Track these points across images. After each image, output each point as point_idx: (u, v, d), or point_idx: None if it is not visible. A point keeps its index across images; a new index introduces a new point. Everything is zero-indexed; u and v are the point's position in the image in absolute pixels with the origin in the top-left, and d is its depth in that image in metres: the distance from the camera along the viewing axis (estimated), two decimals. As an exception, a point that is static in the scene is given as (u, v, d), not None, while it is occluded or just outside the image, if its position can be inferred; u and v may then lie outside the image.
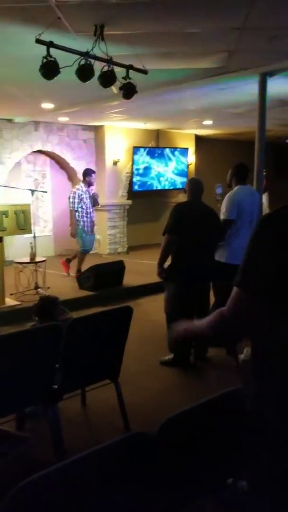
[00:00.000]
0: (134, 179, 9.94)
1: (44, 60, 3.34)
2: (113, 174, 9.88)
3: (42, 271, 6.57)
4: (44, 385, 2.90)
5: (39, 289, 6.49)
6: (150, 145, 10.28)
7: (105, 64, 3.64)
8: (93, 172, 7.77)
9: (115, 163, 9.81)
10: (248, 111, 7.49)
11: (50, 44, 3.34)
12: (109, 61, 3.62)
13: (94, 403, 3.73)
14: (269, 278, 1.39)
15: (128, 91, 3.88)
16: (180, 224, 4.37)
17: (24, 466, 2.89)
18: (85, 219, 7.51)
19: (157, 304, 5.52)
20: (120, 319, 3.15)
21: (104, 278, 6.83)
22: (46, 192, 8.37)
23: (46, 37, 3.44)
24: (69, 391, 3.09)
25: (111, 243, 10.10)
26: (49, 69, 3.35)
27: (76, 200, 7.41)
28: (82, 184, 7.58)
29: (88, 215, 7.56)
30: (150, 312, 6.09)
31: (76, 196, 7.42)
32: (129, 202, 10.15)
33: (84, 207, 7.47)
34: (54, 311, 3.45)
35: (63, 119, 8.56)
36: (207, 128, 10.20)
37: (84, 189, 7.51)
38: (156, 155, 10.24)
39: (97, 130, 9.76)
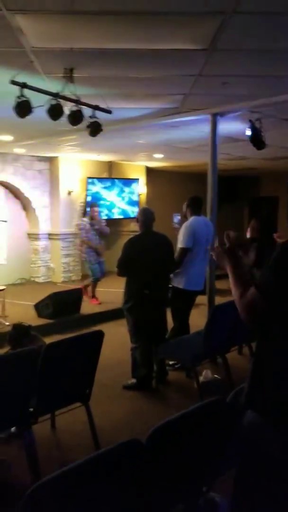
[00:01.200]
0: (88, 209, 10.14)
1: (18, 100, 3.54)
2: (67, 204, 10.06)
3: (0, 300, 6.57)
4: (21, 408, 2.99)
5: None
6: (103, 176, 10.59)
7: (73, 104, 3.89)
8: (94, 205, 8.29)
9: (69, 193, 10.02)
10: (197, 146, 7.99)
11: (23, 85, 3.56)
12: (77, 101, 3.88)
13: (62, 426, 3.82)
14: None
15: (95, 129, 4.14)
16: (131, 259, 4.47)
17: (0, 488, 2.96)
18: (89, 249, 7.92)
19: (114, 330, 5.69)
20: (92, 343, 3.32)
21: (63, 306, 6.93)
22: (6, 221, 8.45)
23: (18, 78, 3.67)
24: (44, 414, 3.19)
25: (65, 271, 10.19)
26: (23, 108, 3.56)
27: (83, 231, 7.98)
28: (86, 219, 8.26)
29: (95, 245, 7.99)
30: (109, 338, 6.23)
31: (81, 227, 8.09)
32: (83, 231, 10.33)
33: (92, 238, 7.94)
34: (26, 339, 3.57)
35: (19, 150, 8.70)
36: (158, 161, 10.67)
37: (89, 222, 8.01)
38: (108, 185, 10.55)
39: (52, 161, 9.96)
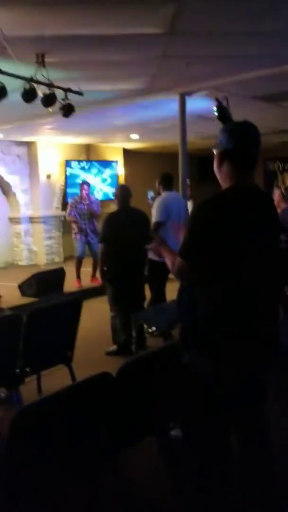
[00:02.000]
0: (68, 191, 10.37)
1: (-8, 85, 3.77)
2: (47, 187, 10.25)
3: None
4: (8, 370, 3.29)
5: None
6: (81, 159, 10.77)
7: (46, 87, 4.12)
8: (85, 183, 8.23)
9: (48, 176, 10.20)
10: (170, 126, 8.21)
11: (-3, 71, 3.77)
12: (50, 85, 4.11)
13: (48, 390, 4.12)
14: (200, 248, 1.91)
15: (67, 110, 4.38)
16: (112, 231, 4.79)
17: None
18: (81, 226, 7.97)
19: (96, 306, 5.99)
20: (71, 309, 3.62)
21: (46, 285, 7.17)
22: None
23: (-8, 64, 3.89)
24: (30, 375, 3.49)
25: (48, 254, 10.42)
26: (-2, 93, 3.78)
27: (69, 209, 7.98)
28: (76, 197, 8.24)
29: (81, 224, 7.99)
30: (92, 313, 6.55)
31: (69, 206, 8.06)
32: (64, 213, 10.51)
33: (77, 216, 7.94)
34: None
35: (-4, 135, 8.85)
36: (134, 142, 10.88)
37: (79, 200, 8.04)
38: (87, 167, 10.74)
39: (30, 145, 10.11)
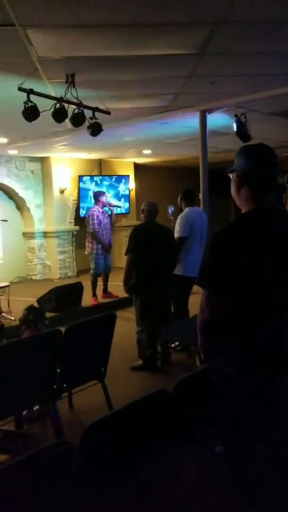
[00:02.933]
0: (81, 206, 10.46)
1: (26, 105, 3.84)
2: (60, 202, 10.35)
3: (3, 297, 6.85)
4: (47, 386, 3.31)
5: (3, 314, 6.76)
6: (93, 174, 10.89)
7: (75, 106, 4.21)
8: (104, 192, 7.96)
9: (62, 191, 10.30)
10: (184, 140, 8.34)
11: (30, 91, 3.86)
12: (79, 104, 4.19)
13: (79, 406, 4.15)
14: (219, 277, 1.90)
15: (95, 129, 4.46)
16: (140, 244, 4.88)
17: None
18: (96, 243, 7.52)
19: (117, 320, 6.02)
20: (106, 325, 3.65)
21: (65, 299, 7.22)
22: (6, 221, 8.65)
23: (24, 84, 3.98)
24: (67, 390, 3.52)
25: (61, 268, 10.48)
26: (31, 113, 3.87)
27: (95, 222, 7.39)
28: (97, 207, 7.61)
29: (104, 237, 7.58)
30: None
31: (95, 217, 7.41)
32: (77, 228, 10.63)
33: (100, 229, 7.47)
34: (40, 323, 3.87)
35: (12, 152, 8.96)
36: (146, 157, 11.00)
37: (100, 210, 7.57)
38: (99, 182, 10.85)
39: (44, 161, 10.22)
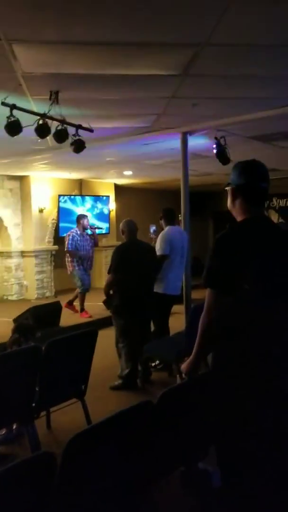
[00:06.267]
0: (60, 225, 10.42)
1: (9, 120, 3.84)
2: (39, 221, 10.29)
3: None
4: (25, 404, 3.22)
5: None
6: (73, 193, 10.90)
7: (59, 123, 4.22)
8: (85, 216, 8.47)
9: (41, 210, 10.25)
10: (165, 162, 8.45)
11: (13, 106, 3.86)
12: (63, 121, 4.21)
13: (57, 425, 4.04)
14: (223, 275, 2.03)
15: (78, 146, 4.48)
16: (123, 263, 4.89)
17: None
18: (77, 260, 7.95)
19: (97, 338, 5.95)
20: (87, 341, 3.59)
21: (43, 319, 7.09)
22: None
23: (7, 100, 3.98)
24: (45, 409, 3.43)
25: (38, 288, 10.35)
26: (13, 128, 3.86)
27: (71, 242, 7.94)
28: (76, 229, 8.17)
29: (84, 257, 8.02)
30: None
31: (71, 237, 7.97)
32: (56, 247, 10.56)
33: (79, 249, 7.97)
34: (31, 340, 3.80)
35: (-10, 169, 8.91)
36: (127, 178, 11.08)
37: (79, 232, 8.08)
38: (80, 202, 10.85)
39: (23, 180, 10.19)
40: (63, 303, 8.64)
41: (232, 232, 2.16)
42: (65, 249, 8.04)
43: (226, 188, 2.29)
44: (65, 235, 8.37)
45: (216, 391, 2.15)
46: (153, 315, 5.31)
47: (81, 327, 7.44)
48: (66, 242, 8.00)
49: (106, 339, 5.19)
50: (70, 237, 8.00)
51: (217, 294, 2.07)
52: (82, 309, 8.09)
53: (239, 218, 2.24)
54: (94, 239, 8.30)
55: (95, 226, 8.88)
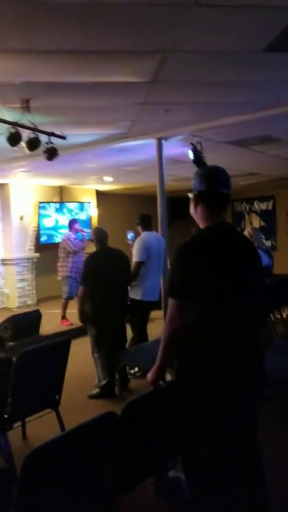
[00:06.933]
0: (41, 233, 10.36)
1: (-21, 129, 3.82)
2: (19, 229, 10.21)
3: None
4: (-4, 415, 3.18)
5: None
6: (54, 200, 10.85)
7: (30, 131, 4.21)
8: (77, 220, 8.79)
9: (21, 218, 10.17)
10: (143, 168, 8.45)
11: (-16, 115, 3.84)
12: (34, 129, 4.20)
13: (33, 436, 3.99)
14: (188, 284, 2.03)
15: (51, 153, 4.47)
16: (92, 273, 4.83)
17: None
18: (72, 265, 7.92)
19: (74, 349, 5.89)
20: (60, 351, 3.56)
21: (22, 328, 7.02)
22: None
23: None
24: (18, 420, 3.38)
25: (20, 296, 10.24)
26: (-16, 136, 3.83)
27: (74, 243, 8.01)
28: (70, 232, 8.26)
29: (75, 262, 7.95)
30: (71, 354, 6.45)
31: (72, 240, 8.06)
32: (37, 255, 10.48)
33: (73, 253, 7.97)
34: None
35: None
36: (107, 184, 11.07)
37: (73, 236, 8.16)
38: (60, 209, 10.81)
39: (2, 187, 10.11)
40: (45, 311, 8.60)
41: (194, 241, 2.16)
42: (71, 250, 7.95)
43: (189, 194, 2.29)
44: (61, 240, 8.42)
45: (183, 399, 2.14)
46: (129, 321, 5.29)
47: (61, 335, 7.37)
48: (68, 245, 7.98)
49: (86, 347, 5.16)
50: (71, 239, 8.08)
51: (180, 304, 2.06)
52: (64, 317, 8.03)
53: (201, 225, 2.25)
54: (83, 242, 8.32)
55: (85, 230, 8.85)
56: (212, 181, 2.20)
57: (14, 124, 4.02)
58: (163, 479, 2.65)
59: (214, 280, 2.04)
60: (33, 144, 4.22)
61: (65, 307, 8.09)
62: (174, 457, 2.56)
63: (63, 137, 4.55)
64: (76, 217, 11.12)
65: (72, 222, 8.54)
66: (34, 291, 10.51)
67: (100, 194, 12.26)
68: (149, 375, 2.26)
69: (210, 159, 6.15)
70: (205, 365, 2.05)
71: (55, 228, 10.72)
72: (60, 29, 2.89)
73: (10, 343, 6.76)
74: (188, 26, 2.84)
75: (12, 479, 1.64)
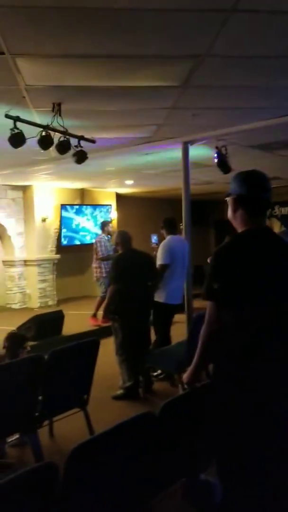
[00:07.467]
0: (62, 235, 10.46)
1: (12, 132, 3.89)
2: (42, 230, 10.33)
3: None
4: (28, 414, 3.23)
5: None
6: (76, 203, 10.95)
7: (61, 134, 4.27)
8: (109, 222, 8.80)
9: (43, 219, 10.30)
10: (164, 171, 8.50)
11: (17, 119, 3.91)
12: (65, 132, 4.26)
13: (60, 434, 4.04)
14: (222, 287, 2.03)
15: (80, 157, 4.53)
16: (121, 273, 4.91)
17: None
18: (106, 266, 7.91)
19: (101, 347, 5.97)
20: (89, 350, 3.61)
21: (45, 328, 7.11)
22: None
23: (10, 112, 4.04)
24: (48, 418, 3.43)
25: (41, 297, 10.36)
26: (17, 139, 3.91)
27: (103, 248, 8.08)
28: (102, 235, 8.36)
29: (108, 263, 7.91)
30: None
31: (102, 243, 8.12)
32: (58, 256, 10.60)
33: (106, 254, 8.06)
34: (20, 349, 3.80)
35: (-7, 179, 8.98)
36: (128, 187, 11.14)
37: (106, 238, 8.25)
38: (81, 211, 10.90)
39: (26, 189, 10.25)
40: (65, 311, 8.68)
41: (232, 244, 2.15)
42: (99, 256, 8.06)
43: (227, 198, 2.27)
44: (93, 241, 8.58)
45: (215, 402, 2.14)
46: (153, 324, 5.32)
47: (84, 336, 7.41)
48: (98, 249, 8.08)
49: (109, 347, 5.20)
50: (101, 243, 8.13)
51: (217, 307, 2.06)
52: (95, 315, 8.05)
53: (239, 229, 2.21)
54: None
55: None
56: (253, 184, 2.17)
57: (45, 127, 4.08)
58: (193, 481, 2.66)
59: (249, 284, 2.02)
60: (63, 147, 4.28)
61: (99, 306, 8.03)
62: (207, 460, 2.58)
63: (93, 141, 4.61)
64: (96, 219, 11.24)
65: (104, 224, 8.62)
66: (54, 292, 10.62)
67: (120, 197, 12.34)
68: (185, 376, 2.27)
69: (234, 163, 6.19)
70: (240, 369, 2.05)
71: (76, 230, 10.82)
72: (96, 35, 2.94)
73: (32, 343, 6.86)
74: (225, 32, 2.87)
75: (54, 475, 1.67)
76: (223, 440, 2.13)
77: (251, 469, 2.07)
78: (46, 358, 3.29)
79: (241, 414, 2.02)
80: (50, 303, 10.44)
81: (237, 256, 2.08)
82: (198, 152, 6.50)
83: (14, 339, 3.88)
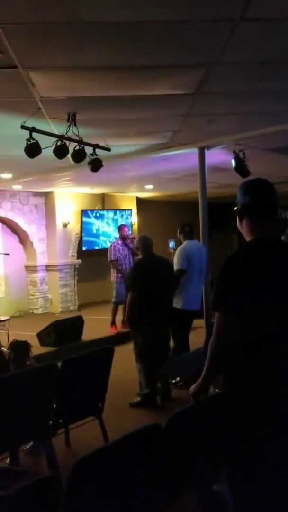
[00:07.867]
0: (83, 240, 10.56)
1: (28, 142, 3.96)
2: (63, 236, 10.46)
3: (2, 332, 6.83)
4: (42, 422, 3.27)
5: (2, 348, 6.71)
6: (96, 208, 11.04)
7: (76, 143, 4.32)
8: (124, 226, 8.63)
9: (65, 225, 10.42)
10: (184, 176, 8.48)
11: (32, 129, 3.98)
12: (80, 141, 4.31)
13: (76, 442, 4.07)
14: (230, 299, 2.02)
15: (96, 165, 4.58)
16: (140, 279, 4.93)
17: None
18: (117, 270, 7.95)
19: (116, 354, 5.97)
20: (103, 358, 3.63)
21: (65, 334, 7.18)
22: (8, 254, 8.73)
23: (26, 123, 4.11)
24: (62, 426, 3.47)
25: (62, 302, 10.47)
26: (32, 149, 3.97)
27: (113, 252, 8.02)
28: (118, 240, 8.35)
29: (122, 267, 7.95)
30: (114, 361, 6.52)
31: (112, 248, 8.10)
32: (79, 261, 10.70)
33: (120, 259, 7.99)
34: (26, 357, 3.84)
35: (16, 187, 9.13)
36: (148, 191, 11.17)
37: (120, 242, 8.19)
38: (102, 216, 10.98)
39: (47, 196, 10.39)
40: (86, 316, 8.74)
41: (238, 255, 2.14)
42: (109, 260, 8.08)
43: (235, 208, 2.28)
44: (108, 246, 8.57)
45: (225, 414, 2.13)
46: (172, 330, 5.30)
47: (103, 341, 7.46)
48: (109, 253, 8.07)
49: (128, 353, 5.21)
50: (112, 247, 8.11)
51: (226, 318, 2.05)
52: (113, 322, 7.97)
53: (247, 238, 2.21)
54: (131, 249, 8.20)
55: (132, 236, 8.72)
56: (255, 193, 2.16)
57: (60, 137, 4.14)
58: (206, 492, 2.64)
59: (256, 295, 2.00)
60: (78, 156, 4.33)
61: (113, 313, 8.00)
62: (219, 471, 2.56)
63: (108, 149, 4.65)
64: (117, 224, 11.28)
65: (120, 227, 8.57)
66: (76, 297, 10.71)
67: (140, 201, 12.38)
68: (192, 388, 2.27)
69: (253, 166, 6.14)
70: (249, 382, 2.03)
71: (97, 235, 10.90)
72: (107, 46, 2.97)
73: (51, 348, 6.92)
74: (234, 40, 2.86)
75: (57, 487, 1.69)
76: (233, 450, 2.12)
77: (260, 479, 2.05)
78: (60, 366, 3.32)
79: (250, 422, 2.01)
80: (71, 308, 10.54)
81: (243, 266, 2.07)
82: (216, 156, 6.47)
83: (18, 348, 3.92)
